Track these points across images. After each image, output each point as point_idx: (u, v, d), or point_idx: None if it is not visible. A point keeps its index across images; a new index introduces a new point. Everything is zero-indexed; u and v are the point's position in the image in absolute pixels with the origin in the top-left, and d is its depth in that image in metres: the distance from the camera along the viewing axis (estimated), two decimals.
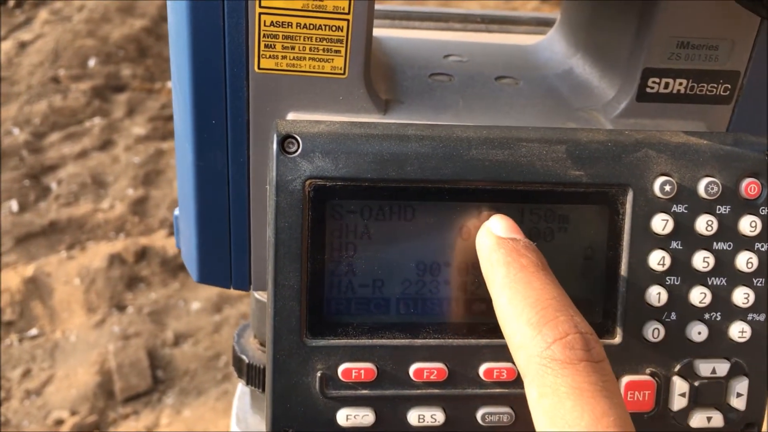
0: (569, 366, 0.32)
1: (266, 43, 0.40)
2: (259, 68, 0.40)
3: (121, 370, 1.76)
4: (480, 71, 0.48)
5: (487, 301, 0.39)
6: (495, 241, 0.37)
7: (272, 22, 0.39)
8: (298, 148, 0.37)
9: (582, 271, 0.39)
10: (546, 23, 0.55)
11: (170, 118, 2.52)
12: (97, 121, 2.45)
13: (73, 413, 1.66)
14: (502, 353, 0.39)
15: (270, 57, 0.40)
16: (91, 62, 2.64)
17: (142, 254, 2.08)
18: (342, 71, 0.41)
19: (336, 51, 0.40)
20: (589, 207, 0.39)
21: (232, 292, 2.01)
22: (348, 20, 0.39)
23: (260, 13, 0.39)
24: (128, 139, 2.39)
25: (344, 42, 0.40)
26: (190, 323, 1.92)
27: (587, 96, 0.45)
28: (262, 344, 0.54)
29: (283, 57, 0.40)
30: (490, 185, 0.38)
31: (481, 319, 0.39)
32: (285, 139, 0.37)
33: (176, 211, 0.48)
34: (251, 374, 0.53)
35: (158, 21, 2.85)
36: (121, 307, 1.94)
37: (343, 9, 0.39)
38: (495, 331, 0.39)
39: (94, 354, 1.80)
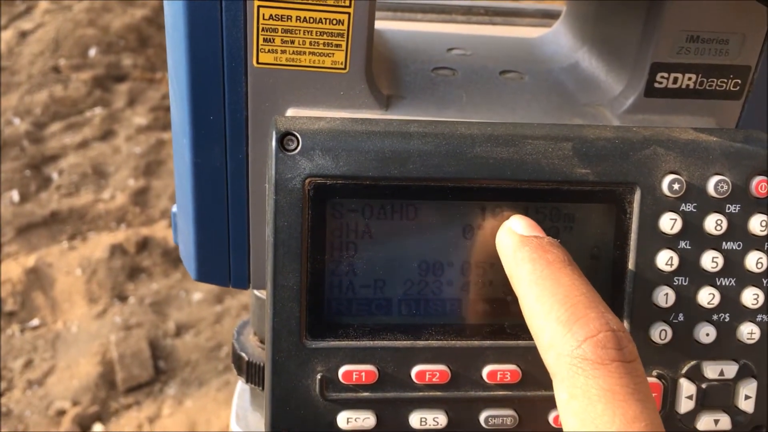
0: (601, 366, 0.30)
1: (265, 36, 0.39)
2: (257, 63, 0.39)
3: (122, 360, 1.76)
4: (484, 65, 0.47)
5: (490, 301, 0.39)
6: (518, 239, 0.36)
7: (271, 15, 0.38)
8: (297, 145, 0.36)
9: (588, 271, 0.38)
10: (551, 15, 0.54)
11: None
12: (98, 111, 2.44)
13: (75, 404, 1.66)
14: (506, 355, 0.38)
15: (269, 51, 0.39)
16: (92, 52, 2.63)
17: (144, 245, 2.07)
18: (343, 66, 0.40)
19: (337, 45, 0.39)
20: (595, 206, 0.38)
21: None
22: (349, 13, 0.38)
23: (259, 6, 0.38)
24: (129, 129, 2.38)
25: (345, 36, 0.39)
26: (191, 314, 1.92)
27: (594, 91, 0.44)
28: (262, 342, 0.54)
29: (283, 51, 0.39)
30: (495, 183, 0.37)
31: (484, 320, 0.39)
32: (284, 137, 0.36)
33: (174, 208, 0.47)
34: (251, 372, 0.52)
35: (159, 10, 2.83)
36: (122, 298, 1.93)
37: (344, 2, 0.38)
38: (499, 332, 0.39)
39: (96, 344, 1.80)
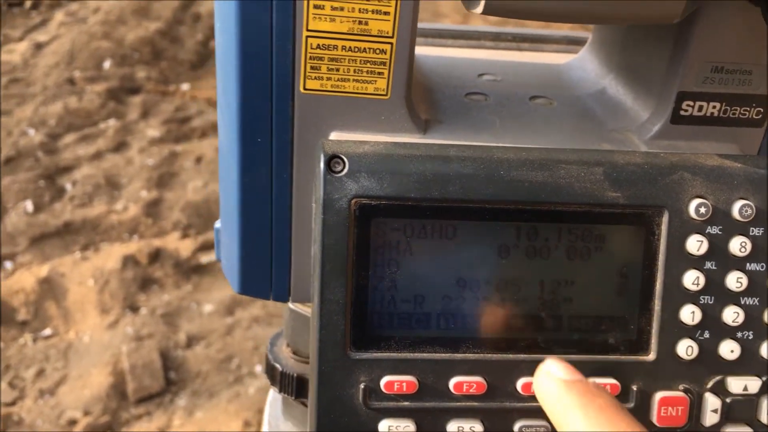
0: None
1: (312, 65, 0.41)
2: (304, 89, 0.41)
3: (134, 371, 1.78)
4: (514, 91, 0.49)
5: (524, 317, 0.41)
6: (563, 384, 0.36)
7: (318, 44, 0.41)
8: (344, 167, 0.39)
9: (618, 290, 0.41)
10: (576, 42, 0.56)
11: (183, 120, 2.53)
12: (112, 122, 2.47)
13: (86, 413, 1.67)
14: None
15: (315, 78, 0.41)
16: (106, 64, 2.66)
17: (156, 256, 2.09)
18: (385, 92, 0.42)
19: (379, 73, 0.41)
20: (625, 227, 0.40)
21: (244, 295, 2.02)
22: (392, 43, 0.41)
23: (307, 36, 0.40)
24: (142, 141, 2.40)
25: (387, 64, 0.41)
26: (202, 325, 1.94)
27: (621, 117, 0.46)
28: (295, 353, 0.56)
29: (328, 78, 0.41)
30: (530, 206, 0.39)
31: (518, 334, 0.41)
32: (331, 159, 0.39)
33: (217, 224, 0.49)
34: (284, 382, 0.54)
35: (173, 24, 2.87)
36: (134, 309, 1.95)
37: (387, 32, 0.40)
38: (532, 346, 0.41)
39: (108, 355, 1.81)
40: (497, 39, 0.56)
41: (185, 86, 2.68)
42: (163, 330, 1.89)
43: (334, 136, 0.42)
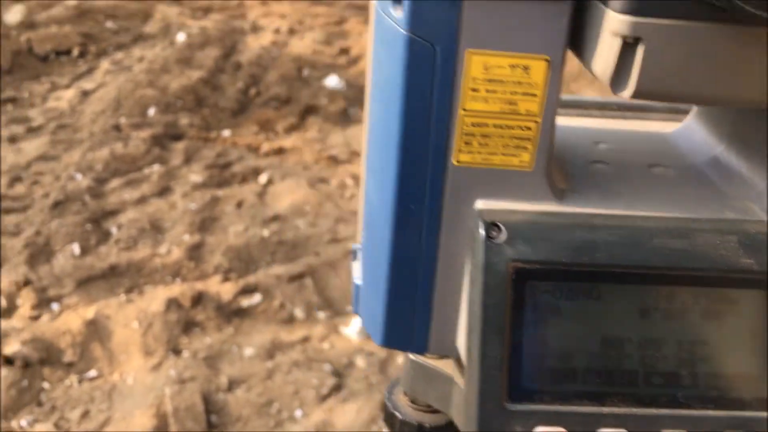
0: None
1: (465, 140, 0.45)
2: (457, 162, 0.45)
3: (176, 414, 1.80)
4: (632, 159, 0.53)
5: (664, 374, 0.44)
6: None
7: (472, 122, 0.45)
8: (500, 233, 0.43)
9: (751, 350, 0.44)
10: (678, 111, 0.60)
11: (225, 165, 2.59)
12: (156, 168, 2.53)
13: None
14: (680, 422, 0.43)
15: (467, 152, 0.45)
16: (151, 111, 2.74)
17: (198, 299, 2.13)
18: (528, 165, 0.46)
19: (524, 148, 0.45)
20: (758, 291, 0.44)
21: (284, 339, 2.05)
22: (537, 122, 0.45)
23: (463, 115, 0.44)
24: (185, 186, 2.46)
25: (532, 140, 0.45)
26: (243, 369, 1.96)
27: (738, 185, 0.50)
28: (413, 402, 0.59)
29: (479, 152, 0.45)
30: (670, 271, 0.43)
31: (659, 390, 0.44)
32: (490, 227, 0.43)
33: (357, 281, 0.53)
34: (404, 430, 0.57)
35: (215, 72, 2.95)
36: (176, 351, 1.98)
37: (534, 112, 0.45)
38: (672, 401, 0.44)
39: (151, 397, 1.84)
40: (603, 108, 0.60)
41: (226, 133, 2.75)
42: (206, 373, 1.92)
43: (480, 204, 0.46)
